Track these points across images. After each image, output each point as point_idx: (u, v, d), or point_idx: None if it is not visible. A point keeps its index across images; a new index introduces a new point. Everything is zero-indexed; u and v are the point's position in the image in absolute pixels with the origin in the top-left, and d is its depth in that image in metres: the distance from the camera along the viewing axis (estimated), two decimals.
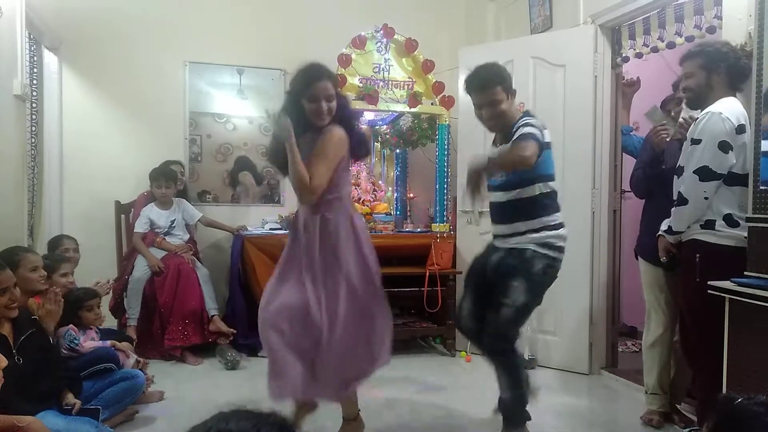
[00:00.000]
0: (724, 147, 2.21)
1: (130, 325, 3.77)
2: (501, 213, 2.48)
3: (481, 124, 2.52)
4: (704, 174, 2.24)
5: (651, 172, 2.83)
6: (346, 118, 2.32)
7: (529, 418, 2.45)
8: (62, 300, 2.56)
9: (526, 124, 2.27)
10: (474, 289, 2.55)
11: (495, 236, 2.53)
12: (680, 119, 2.79)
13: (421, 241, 4.12)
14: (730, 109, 2.25)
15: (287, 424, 0.85)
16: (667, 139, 2.75)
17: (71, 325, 2.73)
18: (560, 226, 2.42)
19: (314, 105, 2.21)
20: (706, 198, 2.25)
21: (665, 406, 2.79)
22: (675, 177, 2.44)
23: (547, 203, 2.41)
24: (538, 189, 2.38)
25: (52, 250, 3.31)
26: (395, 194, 4.77)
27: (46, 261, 2.69)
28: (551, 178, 2.42)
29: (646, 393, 2.84)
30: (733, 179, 2.24)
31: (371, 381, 3.49)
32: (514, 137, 2.25)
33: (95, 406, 2.46)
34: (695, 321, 2.31)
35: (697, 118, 2.35)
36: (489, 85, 2.39)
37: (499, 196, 2.46)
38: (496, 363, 2.42)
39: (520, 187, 2.39)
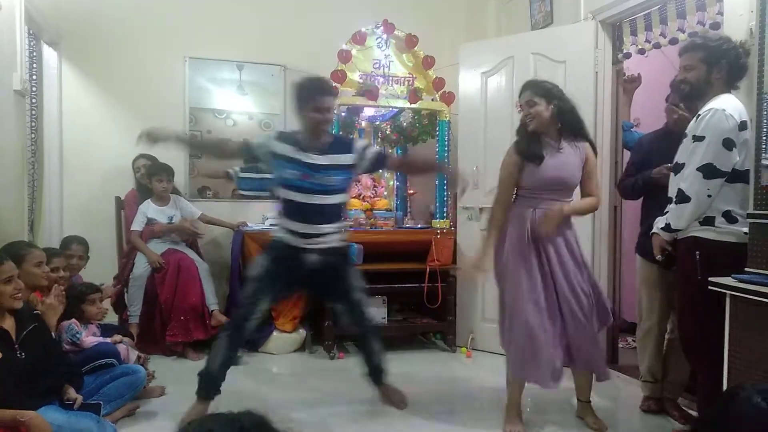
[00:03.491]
0: (729, 144, 2.18)
1: (132, 322, 3.77)
2: (329, 213, 2.70)
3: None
4: (708, 171, 2.20)
5: (643, 178, 2.89)
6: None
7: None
8: (64, 296, 2.57)
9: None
10: None
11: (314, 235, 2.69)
12: (673, 112, 2.82)
13: (421, 237, 4.11)
14: (732, 105, 2.22)
15: (264, 420, 0.86)
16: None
17: (74, 320, 2.73)
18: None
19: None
20: (709, 196, 2.22)
21: (657, 392, 2.87)
22: (672, 174, 2.43)
23: None
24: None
25: (62, 249, 3.31)
26: (395, 190, 4.77)
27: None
28: None
29: (640, 380, 2.95)
30: (734, 176, 2.22)
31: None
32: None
33: (96, 401, 2.46)
34: (695, 318, 2.30)
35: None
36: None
37: (328, 199, 2.67)
38: None
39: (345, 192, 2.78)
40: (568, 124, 2.61)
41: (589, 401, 2.78)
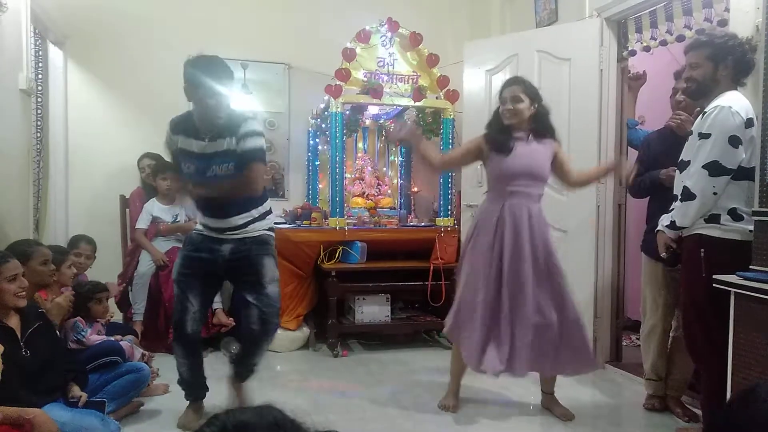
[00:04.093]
0: (735, 142, 2.17)
1: (136, 320, 3.79)
2: (236, 204, 2.54)
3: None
4: (714, 169, 2.19)
5: (651, 178, 2.87)
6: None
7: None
8: (72, 299, 2.60)
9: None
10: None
11: (226, 229, 2.57)
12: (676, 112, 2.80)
13: (425, 236, 4.11)
14: (738, 102, 2.20)
15: (283, 414, 0.86)
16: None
17: (79, 318, 2.75)
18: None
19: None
20: (715, 193, 2.21)
21: (661, 390, 2.88)
22: (677, 171, 2.42)
23: None
24: None
25: (70, 248, 3.33)
26: (399, 188, 4.77)
27: (54, 254, 2.70)
28: None
29: (644, 378, 2.95)
30: (740, 173, 2.20)
31: (374, 375, 3.51)
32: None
33: (101, 399, 2.47)
34: (700, 315, 2.29)
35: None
36: None
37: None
38: None
39: None
40: (541, 126, 2.68)
41: (553, 392, 2.85)
